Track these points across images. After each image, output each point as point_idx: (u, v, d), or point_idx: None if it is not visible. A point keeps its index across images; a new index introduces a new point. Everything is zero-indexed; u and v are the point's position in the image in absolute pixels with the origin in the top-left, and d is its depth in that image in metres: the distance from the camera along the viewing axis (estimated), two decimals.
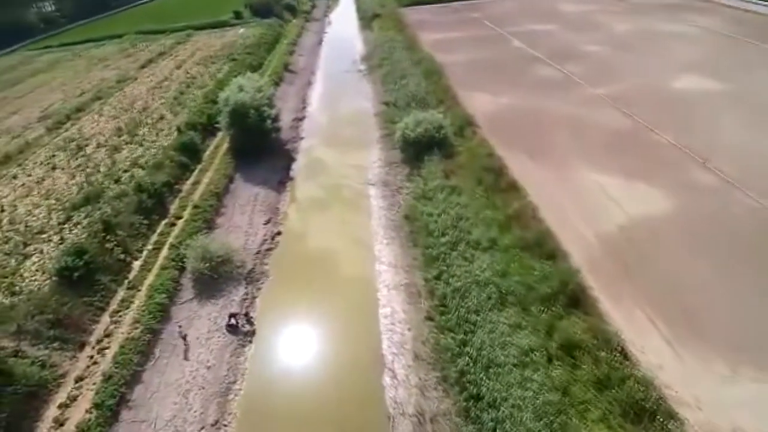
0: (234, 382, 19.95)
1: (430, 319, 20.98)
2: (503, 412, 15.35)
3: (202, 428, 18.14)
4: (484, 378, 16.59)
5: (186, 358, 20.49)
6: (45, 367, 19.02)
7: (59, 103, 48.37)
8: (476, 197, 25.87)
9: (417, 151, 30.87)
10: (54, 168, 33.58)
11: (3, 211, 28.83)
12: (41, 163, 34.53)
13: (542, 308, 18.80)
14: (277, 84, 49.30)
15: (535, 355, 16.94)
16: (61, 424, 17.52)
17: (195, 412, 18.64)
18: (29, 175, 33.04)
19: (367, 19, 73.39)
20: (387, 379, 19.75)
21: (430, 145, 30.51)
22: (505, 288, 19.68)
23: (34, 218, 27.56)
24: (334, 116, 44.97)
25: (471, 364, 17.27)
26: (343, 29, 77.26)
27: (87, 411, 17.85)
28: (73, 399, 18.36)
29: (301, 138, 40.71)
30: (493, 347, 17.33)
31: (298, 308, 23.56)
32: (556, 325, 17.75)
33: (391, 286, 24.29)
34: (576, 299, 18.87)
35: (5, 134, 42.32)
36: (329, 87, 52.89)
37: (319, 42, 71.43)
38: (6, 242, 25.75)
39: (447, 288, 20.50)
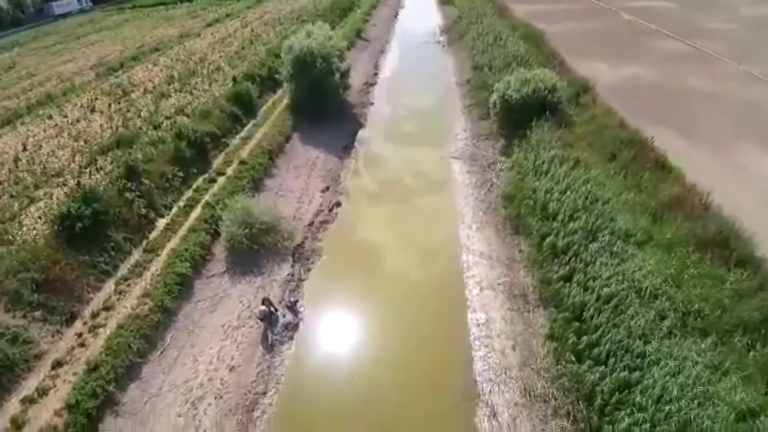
0: (264, 394, 14.20)
1: (553, 337, 14.21)
2: None
3: None
4: None
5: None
6: (16, 341, 13.90)
7: (116, 54, 45.09)
8: (611, 175, 18.74)
9: (520, 117, 23.92)
10: (93, 110, 29.40)
11: (25, 149, 24.63)
12: (81, 106, 30.48)
13: (749, 341, 11.70)
14: (348, 48, 43.62)
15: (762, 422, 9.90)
16: (19, 427, 12.21)
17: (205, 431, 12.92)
18: (65, 116, 29.00)
19: None
20: (483, 419, 13.28)
21: (539, 110, 23.53)
22: (684, 304, 12.63)
23: (56, 159, 23.09)
24: (409, 84, 38.74)
25: (642, 424, 10.43)
26: (420, 2, 70.94)
27: (56, 413, 12.49)
28: (43, 392, 13.08)
29: (371, 104, 34.72)
30: (686, 401, 10.38)
31: (356, 300, 17.51)
32: None
33: (485, 285, 17.73)
34: None
35: (55, 78, 39.14)
36: (405, 56, 46.73)
37: (395, 15, 65.51)
38: (16, 183, 21.28)
39: (586, 295, 13.65)
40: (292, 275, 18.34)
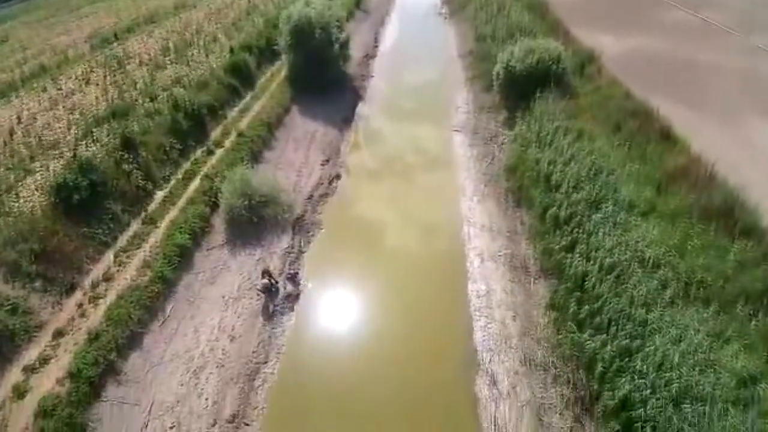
0: (265, 363, 14.27)
1: (554, 307, 14.20)
2: None
3: (214, 424, 12.52)
4: (674, 418, 9.74)
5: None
6: (16, 312, 13.84)
7: (111, 25, 44.07)
8: (615, 146, 18.47)
9: (524, 88, 23.47)
10: (88, 82, 28.76)
11: (20, 122, 24.21)
12: (75, 78, 29.81)
13: (752, 310, 11.67)
14: (347, 20, 42.63)
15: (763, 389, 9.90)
16: (21, 395, 12.26)
17: (207, 399, 13.08)
18: (60, 89, 28.38)
19: None
20: (483, 388, 13.35)
21: (543, 81, 23.08)
22: (687, 274, 12.55)
23: (51, 131, 22.69)
24: (410, 56, 37.96)
25: (643, 390, 10.45)
26: None
27: (58, 381, 12.53)
28: (44, 361, 13.09)
29: (371, 76, 34.10)
30: (687, 368, 10.37)
31: (356, 272, 17.46)
32: None
33: (486, 256, 17.68)
34: None
35: (49, 51, 38.28)
36: (405, 28, 45.74)
37: None
38: (12, 155, 20.97)
39: (588, 265, 13.55)
40: (292, 247, 18.24)
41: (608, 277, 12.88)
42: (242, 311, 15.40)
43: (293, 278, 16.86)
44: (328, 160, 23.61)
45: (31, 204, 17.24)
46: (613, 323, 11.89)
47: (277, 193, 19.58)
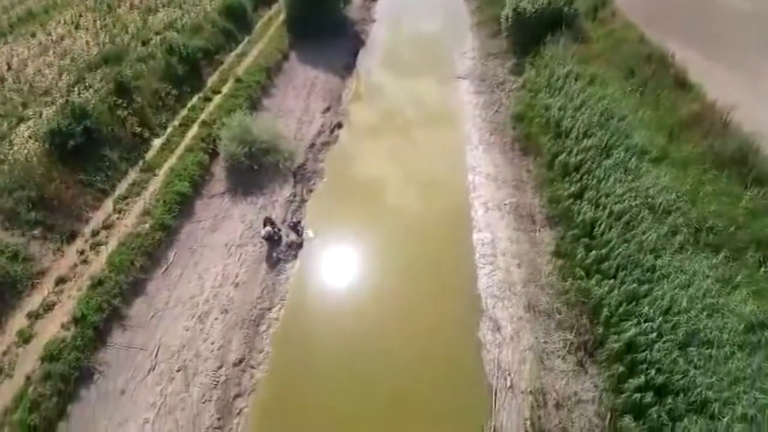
0: (269, 309, 14.26)
1: (559, 254, 14.06)
2: None
3: (221, 367, 12.66)
4: (680, 360, 9.76)
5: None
6: (17, 259, 13.73)
7: None
8: (627, 92, 17.82)
9: (534, 32, 22.53)
10: (78, 27, 27.59)
11: (10, 69, 23.33)
12: (65, 23, 28.57)
13: (761, 257, 11.52)
14: None
15: None
16: (27, 340, 12.31)
17: (213, 343, 13.14)
18: (49, 34, 27.22)
19: None
20: (487, 333, 13.44)
21: (554, 25, 22.10)
22: (698, 220, 12.32)
23: (42, 78, 21.91)
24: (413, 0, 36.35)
25: (649, 334, 10.43)
26: None
27: (63, 326, 12.55)
28: (48, 307, 13.08)
29: (373, 20, 32.66)
30: (695, 312, 10.31)
31: (358, 221, 17.21)
32: None
33: (491, 205, 17.42)
34: None
35: None
36: None
37: None
38: (3, 103, 20.29)
39: (597, 211, 13.30)
40: (294, 196, 17.95)
41: (617, 223, 12.68)
42: (246, 259, 15.29)
43: (296, 227, 16.66)
44: (329, 108, 22.92)
45: (25, 151, 16.80)
46: (621, 269, 11.78)
47: (278, 140, 19.11)
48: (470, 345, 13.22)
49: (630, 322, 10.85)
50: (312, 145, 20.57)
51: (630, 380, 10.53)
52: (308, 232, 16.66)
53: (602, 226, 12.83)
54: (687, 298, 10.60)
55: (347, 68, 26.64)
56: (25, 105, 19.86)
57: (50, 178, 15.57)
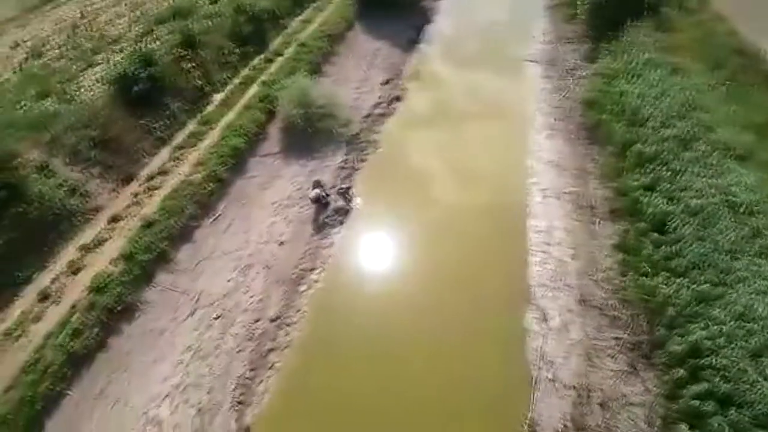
0: (311, 270, 14.02)
1: (622, 248, 13.10)
2: None
3: (258, 320, 12.56)
4: (749, 370, 8.81)
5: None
6: (74, 194, 14.11)
7: None
8: (713, 85, 16.40)
9: (613, 17, 21.14)
10: None
11: (83, 17, 24.15)
12: None
13: None
14: None
15: None
16: (75, 272, 12.62)
17: (252, 296, 13.07)
18: None
19: None
20: (533, 322, 12.71)
21: (636, 11, 20.65)
22: None
23: (113, 27, 22.59)
24: None
25: (717, 338, 9.48)
26: None
27: (111, 262, 12.78)
28: (99, 242, 13.39)
29: None
30: None
31: (408, 196, 16.64)
32: None
33: (549, 193, 16.48)
34: None
35: None
36: None
37: None
38: (74, 48, 20.98)
39: (670, 205, 12.25)
40: (346, 162, 17.63)
41: (692, 219, 11.59)
42: (292, 218, 15.15)
43: (345, 193, 16.32)
44: (389, 81, 22.40)
45: (91, 93, 17.26)
46: (693, 267, 10.75)
47: (335, 106, 18.81)
48: (515, 332, 12.54)
49: (697, 324, 9.90)
50: (368, 115, 20.15)
51: (690, 386, 9.65)
52: (357, 200, 16.33)
53: (675, 221, 11.78)
54: (765, 305, 9.54)
55: (411, 43, 25.95)
56: (95, 51, 20.44)
57: (113, 120, 15.91)
